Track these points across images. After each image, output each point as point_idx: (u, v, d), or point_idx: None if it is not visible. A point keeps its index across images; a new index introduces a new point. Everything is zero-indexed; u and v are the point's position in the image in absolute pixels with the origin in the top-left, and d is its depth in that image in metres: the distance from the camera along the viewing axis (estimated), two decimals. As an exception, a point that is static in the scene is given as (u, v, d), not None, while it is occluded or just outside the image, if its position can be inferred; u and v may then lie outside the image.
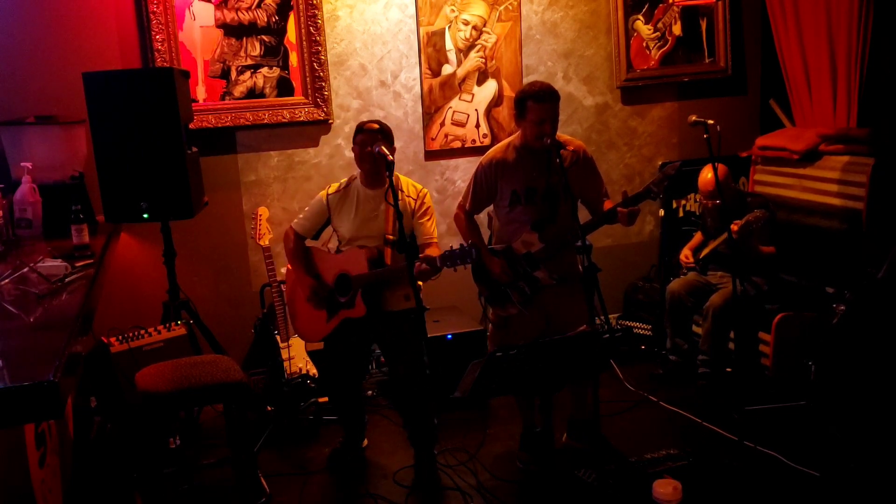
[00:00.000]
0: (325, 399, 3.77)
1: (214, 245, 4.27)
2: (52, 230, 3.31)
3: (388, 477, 3.36)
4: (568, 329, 2.77)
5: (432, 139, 4.51)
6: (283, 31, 4.18)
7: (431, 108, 4.48)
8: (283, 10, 4.16)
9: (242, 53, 4.14)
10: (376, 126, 3.27)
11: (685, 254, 4.25)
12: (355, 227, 3.33)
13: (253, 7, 4.12)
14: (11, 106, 3.72)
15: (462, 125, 4.54)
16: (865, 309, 3.46)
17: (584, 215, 3.12)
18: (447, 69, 4.46)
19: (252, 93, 4.19)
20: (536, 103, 3.07)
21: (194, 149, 3.62)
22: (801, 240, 4.17)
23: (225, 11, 4.08)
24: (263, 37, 4.16)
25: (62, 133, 3.65)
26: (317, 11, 4.16)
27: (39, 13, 3.83)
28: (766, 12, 4.63)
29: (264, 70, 4.19)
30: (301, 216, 3.48)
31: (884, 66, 4.13)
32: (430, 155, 4.54)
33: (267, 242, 3.91)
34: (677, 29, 4.79)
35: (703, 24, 4.84)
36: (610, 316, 4.50)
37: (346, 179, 3.43)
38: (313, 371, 3.89)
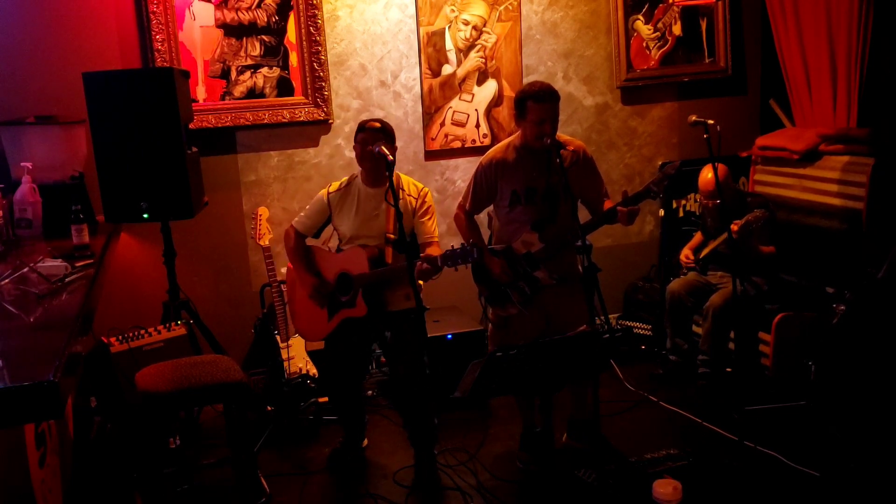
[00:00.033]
0: (325, 399, 3.77)
1: (214, 245, 4.27)
2: (52, 230, 3.31)
3: (388, 477, 3.36)
4: (568, 329, 2.77)
5: (432, 139, 4.51)
6: (283, 31, 4.18)
7: (431, 108, 4.48)
8: (283, 10, 4.16)
9: (242, 53, 4.14)
10: (378, 125, 3.26)
11: (685, 254, 4.25)
12: (356, 226, 3.32)
13: (253, 7, 4.12)
14: (11, 106, 3.72)
15: (462, 125, 4.54)
16: (865, 309, 3.46)
17: (583, 215, 3.12)
18: (447, 69, 4.46)
19: (252, 93, 4.19)
20: (536, 103, 3.07)
21: (194, 149, 3.62)
22: (801, 240, 4.17)
23: (225, 11, 4.08)
24: (263, 37, 4.17)
25: (62, 133, 3.65)
26: (317, 11, 4.16)
27: (39, 13, 3.83)
28: (766, 12, 4.63)
29: (264, 70, 4.19)
30: (302, 214, 3.47)
31: (884, 66, 4.13)
32: (430, 155, 4.54)
33: (267, 242, 3.91)
34: (677, 29, 4.79)
35: (703, 24, 4.84)
36: (610, 316, 4.51)
37: (347, 178, 3.43)
38: (313, 371, 3.89)
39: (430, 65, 4.43)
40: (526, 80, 4.44)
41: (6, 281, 2.48)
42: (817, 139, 4.22)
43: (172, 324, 3.64)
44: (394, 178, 2.98)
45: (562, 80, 4.65)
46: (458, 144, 4.55)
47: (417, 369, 3.24)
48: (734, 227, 3.68)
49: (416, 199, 3.33)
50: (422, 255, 3.15)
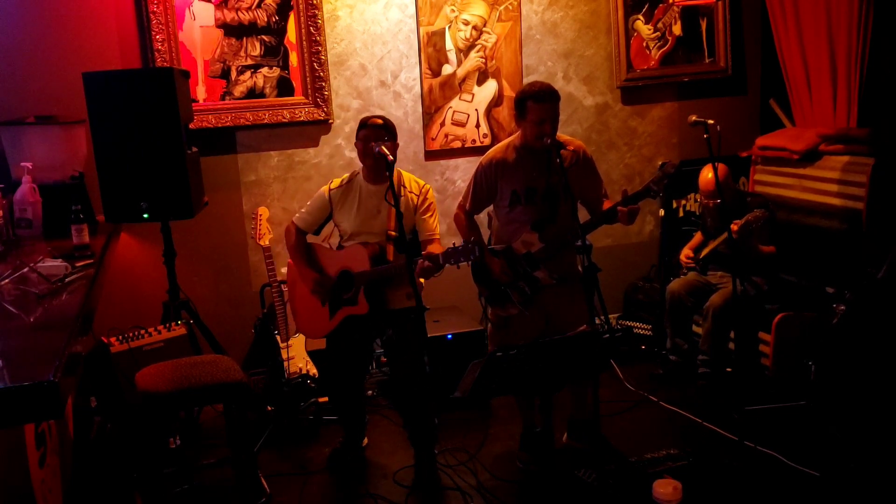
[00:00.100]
0: (325, 399, 3.78)
1: (214, 245, 4.27)
2: (52, 230, 3.31)
3: (388, 477, 3.36)
4: (568, 329, 2.77)
5: (432, 139, 4.51)
6: (283, 31, 4.18)
7: (431, 108, 4.48)
8: (283, 10, 4.16)
9: (242, 53, 4.14)
10: (380, 121, 3.26)
11: (685, 254, 4.25)
12: (357, 223, 3.32)
13: (253, 7, 4.12)
14: (11, 106, 3.72)
15: (462, 125, 4.54)
16: (865, 309, 3.46)
17: (583, 215, 3.12)
18: (447, 69, 4.46)
19: (252, 93, 4.19)
20: (536, 103, 3.07)
21: (194, 149, 3.62)
22: (801, 240, 4.17)
23: (225, 11, 4.08)
24: (263, 37, 4.17)
25: (62, 133, 3.65)
26: (317, 11, 4.16)
27: (39, 13, 3.83)
28: (766, 12, 4.63)
29: (264, 70, 4.19)
30: (303, 210, 3.46)
31: (884, 66, 4.13)
32: (430, 155, 4.54)
33: (267, 242, 3.91)
34: (677, 29, 4.79)
35: (703, 24, 4.84)
36: (610, 316, 4.51)
37: (348, 175, 3.42)
38: (313, 371, 3.89)
39: (430, 65, 4.43)
40: (526, 80, 4.45)
41: (6, 281, 2.48)
42: (817, 139, 4.22)
43: (172, 324, 3.64)
44: (396, 176, 2.97)
45: (562, 80, 4.65)
46: (458, 144, 4.55)
47: (417, 369, 3.24)
48: (734, 227, 3.68)
49: (418, 196, 3.32)
50: (423, 252, 3.15)
